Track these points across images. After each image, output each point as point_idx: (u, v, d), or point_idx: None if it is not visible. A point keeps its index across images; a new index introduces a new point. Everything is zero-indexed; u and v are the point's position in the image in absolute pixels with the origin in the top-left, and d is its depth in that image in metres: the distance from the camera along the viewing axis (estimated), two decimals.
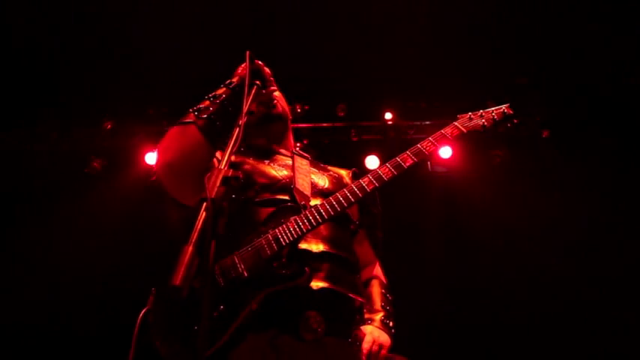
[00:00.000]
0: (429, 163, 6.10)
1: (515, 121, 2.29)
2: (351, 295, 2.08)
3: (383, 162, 6.10)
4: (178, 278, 1.14)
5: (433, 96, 6.22)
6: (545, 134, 6.06)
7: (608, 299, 5.49)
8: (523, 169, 6.12)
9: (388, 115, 6.28)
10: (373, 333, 2.21)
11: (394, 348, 2.32)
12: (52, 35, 5.39)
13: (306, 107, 6.12)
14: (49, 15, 5.19)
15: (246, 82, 1.85)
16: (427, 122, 6.32)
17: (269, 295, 1.90)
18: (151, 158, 6.10)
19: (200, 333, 1.12)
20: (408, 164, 2.13)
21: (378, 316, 2.29)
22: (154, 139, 6.05)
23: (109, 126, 6.12)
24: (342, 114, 6.24)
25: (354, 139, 6.34)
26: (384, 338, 2.23)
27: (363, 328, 2.23)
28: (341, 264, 2.11)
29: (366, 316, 2.29)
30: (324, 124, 6.30)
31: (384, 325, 2.26)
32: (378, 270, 2.51)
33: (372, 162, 6.17)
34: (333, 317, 1.99)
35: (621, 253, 5.55)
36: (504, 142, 6.19)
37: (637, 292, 5.39)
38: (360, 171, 2.54)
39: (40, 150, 6.17)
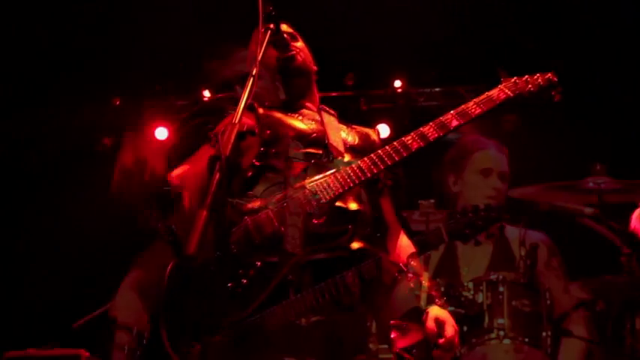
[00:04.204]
0: None
1: (560, 89, 2.16)
2: (384, 256, 2.02)
3: (393, 130, 6.11)
4: (192, 246, 1.07)
5: (443, 63, 6.13)
6: (557, 99, 5.94)
7: None
8: (535, 134, 6.04)
9: (397, 83, 6.21)
10: (453, 321, 2.01)
11: None
12: (54, 15, 5.36)
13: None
14: None
15: (260, 28, 1.76)
16: (437, 89, 6.25)
17: (310, 253, 1.82)
18: (161, 133, 6.10)
19: (219, 298, 1.07)
20: (453, 125, 1.99)
21: (441, 299, 2.11)
22: (162, 114, 6.06)
23: (118, 102, 6.12)
24: (351, 83, 6.17)
25: (364, 107, 6.28)
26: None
27: (435, 310, 2.00)
28: (374, 224, 2.06)
29: (433, 292, 2.07)
30: (333, 94, 6.23)
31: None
32: (406, 239, 2.34)
33: (382, 130, 6.10)
34: (367, 281, 1.91)
35: None
36: (515, 108, 6.10)
37: None
38: None
39: (51, 129, 6.17)
